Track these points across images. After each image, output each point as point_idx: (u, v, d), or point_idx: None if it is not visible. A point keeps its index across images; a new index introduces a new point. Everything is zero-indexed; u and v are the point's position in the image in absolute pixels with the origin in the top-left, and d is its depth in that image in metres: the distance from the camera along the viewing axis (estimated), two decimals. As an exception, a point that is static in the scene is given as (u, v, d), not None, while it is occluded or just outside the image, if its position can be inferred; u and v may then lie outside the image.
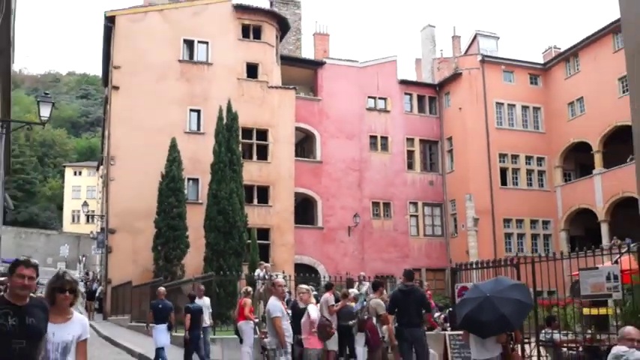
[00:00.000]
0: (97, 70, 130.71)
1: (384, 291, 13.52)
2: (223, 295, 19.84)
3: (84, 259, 63.71)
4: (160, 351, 11.98)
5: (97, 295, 32.74)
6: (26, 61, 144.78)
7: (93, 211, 52.19)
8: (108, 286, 26.69)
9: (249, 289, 12.75)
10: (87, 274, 59.94)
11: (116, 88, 27.29)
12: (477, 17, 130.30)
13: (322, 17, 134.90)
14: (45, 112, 14.17)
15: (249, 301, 12.27)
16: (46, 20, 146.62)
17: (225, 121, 23.60)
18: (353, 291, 12.55)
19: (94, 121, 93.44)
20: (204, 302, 13.46)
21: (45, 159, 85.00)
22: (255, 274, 16.17)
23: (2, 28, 12.04)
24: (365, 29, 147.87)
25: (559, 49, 36.19)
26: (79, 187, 78.33)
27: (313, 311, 9.66)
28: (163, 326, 12.16)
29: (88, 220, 78.32)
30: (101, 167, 61.68)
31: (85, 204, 35.31)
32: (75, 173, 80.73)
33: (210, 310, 13.88)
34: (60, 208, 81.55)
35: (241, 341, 12.08)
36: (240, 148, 24.10)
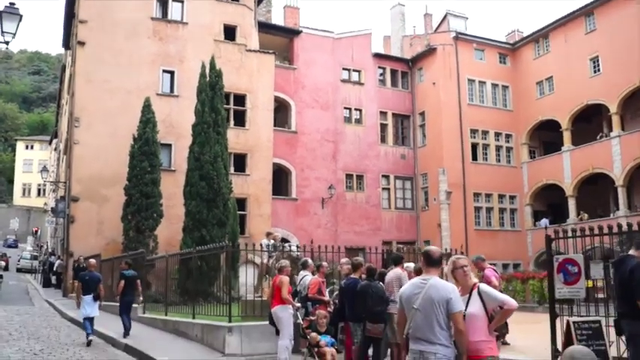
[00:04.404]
0: (49, 49, 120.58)
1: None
2: (206, 269, 15.84)
3: (38, 232, 57.00)
4: (86, 321, 10.90)
5: (54, 269, 27.99)
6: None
7: (46, 182, 46.18)
8: (70, 260, 21.90)
9: (286, 262, 8.66)
10: (40, 247, 53.80)
11: (81, 43, 22.32)
12: None
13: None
14: (10, 27, 9.49)
15: (286, 279, 8.18)
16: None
17: (208, 78, 19.27)
18: (410, 265, 8.85)
19: (47, 97, 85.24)
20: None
21: (-5, 132, 76.98)
22: (263, 244, 12.24)
23: None
24: (334, 4, 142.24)
25: (522, 32, 33.65)
26: (30, 160, 71.44)
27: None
28: (89, 297, 11.09)
29: (39, 194, 71.28)
30: (54, 140, 55.21)
31: (45, 169, 29.54)
32: (27, 147, 73.74)
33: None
34: (10, 181, 73.88)
35: (277, 332, 8.27)
36: (224, 109, 19.81)
